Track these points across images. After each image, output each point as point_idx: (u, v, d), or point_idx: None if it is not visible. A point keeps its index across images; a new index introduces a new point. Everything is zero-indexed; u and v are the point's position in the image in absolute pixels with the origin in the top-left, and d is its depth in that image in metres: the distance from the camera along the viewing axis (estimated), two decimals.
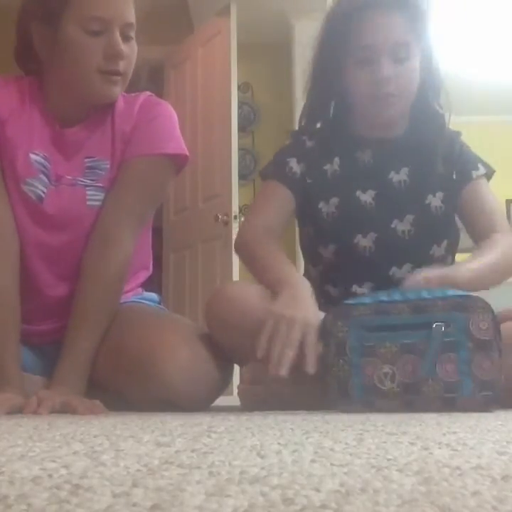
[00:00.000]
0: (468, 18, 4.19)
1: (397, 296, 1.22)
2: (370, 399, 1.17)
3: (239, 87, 3.97)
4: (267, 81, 4.50)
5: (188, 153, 1.45)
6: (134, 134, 1.40)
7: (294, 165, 1.52)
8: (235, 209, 3.54)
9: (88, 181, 1.40)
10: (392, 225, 1.45)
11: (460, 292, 1.20)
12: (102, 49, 1.30)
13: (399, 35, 1.42)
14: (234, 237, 3.57)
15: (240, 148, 3.83)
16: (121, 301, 1.43)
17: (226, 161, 3.66)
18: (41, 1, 1.32)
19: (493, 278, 1.36)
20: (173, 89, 4.26)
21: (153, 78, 4.43)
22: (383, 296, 1.23)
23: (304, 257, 1.62)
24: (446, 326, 1.16)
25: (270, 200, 1.51)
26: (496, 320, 1.17)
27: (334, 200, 1.48)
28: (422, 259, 1.44)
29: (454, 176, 1.50)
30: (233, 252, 3.52)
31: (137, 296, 1.54)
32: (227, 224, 3.58)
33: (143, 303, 1.52)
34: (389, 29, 1.42)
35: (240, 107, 4.01)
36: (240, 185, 3.69)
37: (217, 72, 3.82)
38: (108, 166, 1.41)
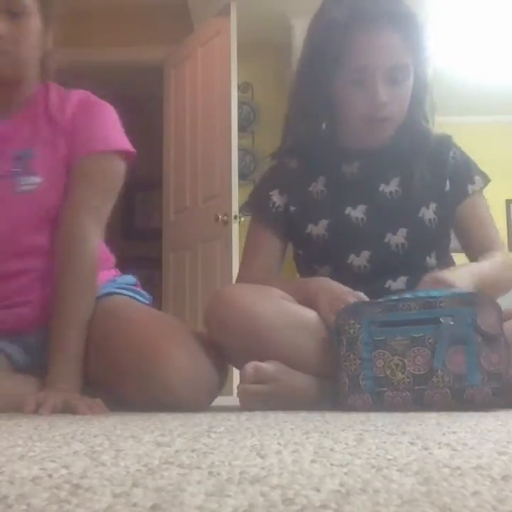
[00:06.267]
0: (463, 18, 4.19)
1: (407, 296, 1.25)
2: (381, 390, 1.18)
3: (239, 87, 3.96)
4: (267, 81, 4.50)
5: (134, 150, 1.47)
6: (79, 132, 1.42)
7: (277, 198, 1.52)
8: (235, 209, 3.53)
9: (19, 170, 1.40)
10: (386, 240, 1.43)
11: (467, 290, 1.23)
12: None
13: (396, 57, 1.38)
14: (234, 237, 3.58)
15: (239, 148, 3.83)
16: (104, 290, 1.46)
17: (226, 161, 3.65)
18: None
19: (490, 291, 1.34)
20: (173, 89, 4.26)
21: (153, 78, 4.42)
22: (394, 296, 1.26)
23: (301, 275, 1.60)
24: (455, 320, 1.18)
25: (260, 245, 1.53)
26: (502, 316, 1.19)
27: (323, 222, 1.46)
28: (417, 271, 1.41)
29: (448, 187, 1.47)
30: (233, 252, 3.53)
31: (112, 281, 1.54)
32: (227, 224, 3.57)
33: (133, 298, 1.52)
34: (386, 51, 1.37)
35: (239, 107, 4.00)
36: (240, 185, 3.68)
37: (217, 72, 3.81)
38: (37, 152, 1.41)
